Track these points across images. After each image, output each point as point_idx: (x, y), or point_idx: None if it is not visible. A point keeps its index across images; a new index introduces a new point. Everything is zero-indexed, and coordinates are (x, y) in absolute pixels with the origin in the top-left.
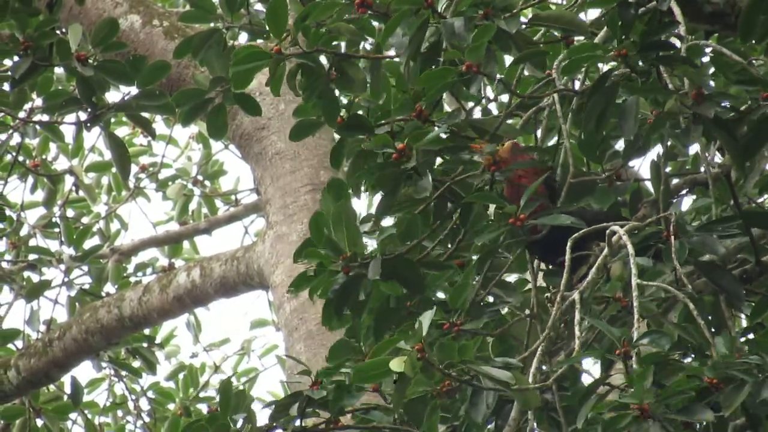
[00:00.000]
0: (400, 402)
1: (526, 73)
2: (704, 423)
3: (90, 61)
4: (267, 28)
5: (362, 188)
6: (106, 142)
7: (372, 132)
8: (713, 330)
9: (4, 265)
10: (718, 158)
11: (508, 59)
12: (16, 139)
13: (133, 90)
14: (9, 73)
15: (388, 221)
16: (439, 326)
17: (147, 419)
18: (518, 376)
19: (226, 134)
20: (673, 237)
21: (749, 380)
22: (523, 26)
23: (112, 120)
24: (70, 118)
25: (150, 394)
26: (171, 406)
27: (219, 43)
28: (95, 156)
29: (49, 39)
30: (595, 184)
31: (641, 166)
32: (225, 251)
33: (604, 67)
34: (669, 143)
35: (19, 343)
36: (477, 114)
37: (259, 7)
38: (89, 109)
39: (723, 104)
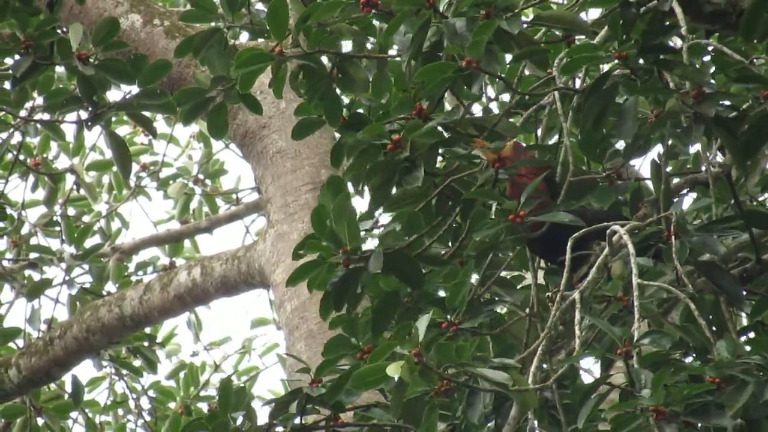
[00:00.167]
0: (398, 405)
1: (527, 72)
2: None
3: (91, 60)
4: (268, 28)
5: (360, 183)
6: (107, 140)
7: None
8: (714, 329)
9: (5, 263)
10: (719, 157)
11: (510, 59)
12: (17, 137)
13: (134, 89)
14: (10, 71)
15: (384, 219)
16: (437, 325)
17: (148, 418)
18: (516, 376)
19: (226, 133)
20: (673, 237)
21: (751, 380)
22: (525, 26)
23: (113, 119)
24: (71, 116)
25: (151, 392)
26: (172, 405)
27: (220, 42)
28: (96, 155)
29: (50, 38)
30: (596, 183)
31: (642, 165)
32: (226, 250)
33: (604, 67)
34: (670, 142)
35: (20, 342)
36: (478, 113)
37: (260, 6)
38: (90, 108)
39: (723, 103)
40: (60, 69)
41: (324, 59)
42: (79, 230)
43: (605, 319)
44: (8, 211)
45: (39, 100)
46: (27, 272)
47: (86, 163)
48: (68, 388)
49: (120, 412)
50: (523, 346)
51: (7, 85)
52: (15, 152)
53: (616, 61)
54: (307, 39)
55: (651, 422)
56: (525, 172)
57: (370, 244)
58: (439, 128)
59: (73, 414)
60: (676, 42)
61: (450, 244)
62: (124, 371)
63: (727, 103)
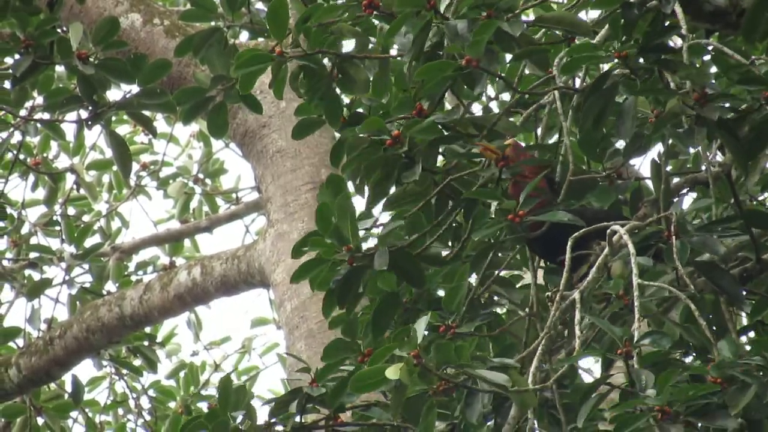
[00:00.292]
0: (398, 407)
1: (527, 71)
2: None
3: (91, 59)
4: (268, 28)
5: (358, 179)
6: (107, 140)
7: None
8: (714, 329)
9: (5, 263)
10: (719, 157)
11: (510, 58)
12: (17, 137)
13: (134, 88)
14: (10, 71)
15: (383, 219)
16: (435, 328)
17: (148, 418)
18: (515, 376)
19: (226, 132)
20: (674, 237)
21: (752, 381)
22: (526, 26)
23: (113, 118)
24: (71, 116)
25: (151, 392)
26: (172, 405)
27: (220, 41)
28: (96, 154)
29: (50, 37)
30: (596, 183)
31: (642, 164)
32: (226, 249)
33: (604, 66)
34: (670, 142)
35: (20, 342)
36: (478, 112)
37: (260, 5)
38: (90, 108)
39: (724, 105)
40: (60, 68)
41: (324, 60)
42: (79, 230)
43: (605, 319)
44: (8, 210)
45: (39, 100)
46: (27, 272)
47: (86, 163)
48: (68, 387)
49: (120, 411)
50: (522, 346)
51: (7, 84)
52: (15, 152)
53: (616, 61)
54: (307, 39)
55: (651, 422)
56: (528, 171)
57: (370, 243)
58: (439, 126)
59: (73, 413)
60: (676, 41)
61: (450, 243)
62: (124, 371)
63: (728, 104)
